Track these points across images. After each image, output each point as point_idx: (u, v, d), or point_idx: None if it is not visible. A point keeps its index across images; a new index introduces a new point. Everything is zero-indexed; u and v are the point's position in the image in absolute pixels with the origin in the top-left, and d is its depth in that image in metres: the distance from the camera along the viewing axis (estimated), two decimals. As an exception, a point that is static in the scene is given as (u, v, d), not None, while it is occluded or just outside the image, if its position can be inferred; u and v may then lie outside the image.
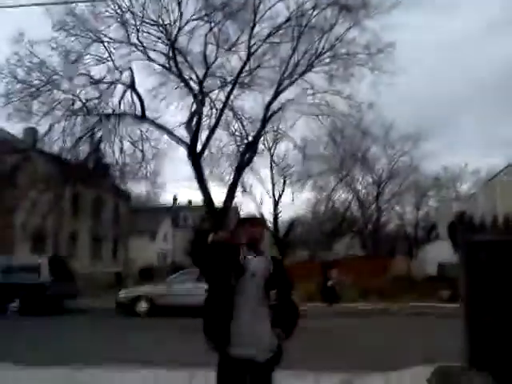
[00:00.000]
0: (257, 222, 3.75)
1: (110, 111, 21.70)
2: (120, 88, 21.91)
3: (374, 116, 26.27)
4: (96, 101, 21.17)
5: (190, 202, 53.65)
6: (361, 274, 23.25)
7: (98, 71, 22.15)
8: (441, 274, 25.23)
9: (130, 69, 21.72)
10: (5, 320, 14.42)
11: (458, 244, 5.34)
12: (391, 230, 44.95)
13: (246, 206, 43.58)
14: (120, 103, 21.66)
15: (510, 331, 4.88)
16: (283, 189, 36.14)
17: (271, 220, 36.40)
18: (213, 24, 21.32)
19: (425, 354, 7.12)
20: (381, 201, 38.99)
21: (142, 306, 15.80)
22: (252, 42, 21.77)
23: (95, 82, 21.06)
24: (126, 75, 21.68)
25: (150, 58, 22.01)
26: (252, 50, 21.86)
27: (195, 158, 22.05)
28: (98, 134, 21.71)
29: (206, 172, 23.58)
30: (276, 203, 36.21)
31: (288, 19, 21.47)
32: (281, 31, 21.77)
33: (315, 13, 21.01)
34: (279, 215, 37.03)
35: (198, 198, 25.35)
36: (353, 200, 39.83)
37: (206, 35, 21.57)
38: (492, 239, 5.18)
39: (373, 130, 29.65)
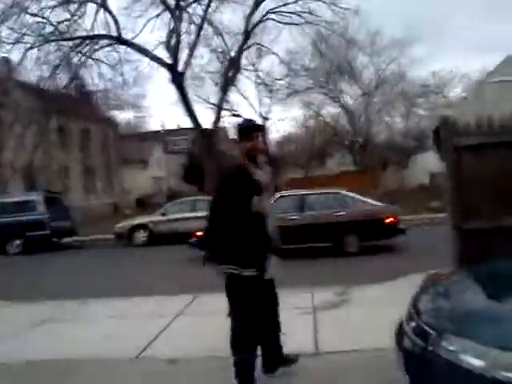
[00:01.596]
0: (261, 129, 3.41)
1: (83, 34, 20.74)
2: (92, 8, 20.84)
3: (359, 23, 25.32)
4: (67, 23, 20.15)
5: (179, 126, 52.94)
6: (352, 190, 23.38)
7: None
8: (432, 184, 25.35)
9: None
10: (5, 259, 14.33)
11: (441, 149, 5.30)
12: (382, 141, 44.85)
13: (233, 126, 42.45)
14: (93, 24, 20.70)
15: (495, 234, 4.96)
16: (271, 106, 35.59)
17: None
18: None
19: (417, 264, 7.12)
20: (370, 112, 38.55)
21: (141, 235, 15.84)
22: None
23: (64, 2, 19.91)
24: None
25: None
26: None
27: (178, 79, 21.46)
28: (75, 60, 20.88)
29: (191, 93, 23.08)
30: (264, 121, 35.80)
31: None
32: None
33: None
34: (268, 133, 36.75)
35: (186, 121, 24.92)
36: (342, 113, 39.36)
37: None
38: (476, 142, 5.12)
39: (359, 37, 28.75)
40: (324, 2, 21.45)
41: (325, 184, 23.67)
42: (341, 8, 21.33)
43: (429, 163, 27.26)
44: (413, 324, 2.63)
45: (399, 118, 41.53)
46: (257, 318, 3.25)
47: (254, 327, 3.25)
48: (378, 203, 11.32)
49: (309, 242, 10.29)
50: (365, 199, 11.21)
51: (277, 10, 22.67)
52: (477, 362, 2.11)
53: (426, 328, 2.46)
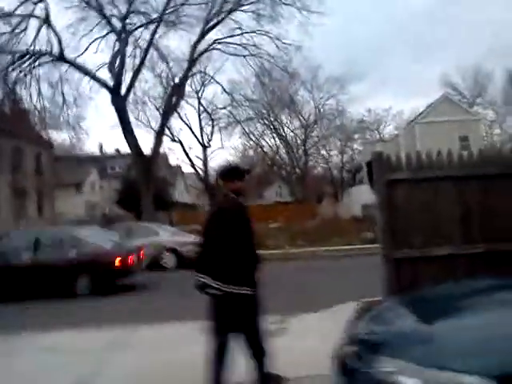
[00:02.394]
0: (246, 174, 4.23)
1: (24, 49, 20.08)
2: (34, 23, 20.28)
3: (302, 58, 26.25)
4: (7, 36, 19.45)
5: (117, 150, 51.87)
6: (289, 220, 23.76)
7: (7, 3, 20.26)
8: (365, 215, 26.15)
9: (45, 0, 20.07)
10: None
11: (374, 182, 5.50)
12: (318, 174, 46.13)
13: (174, 152, 42.26)
14: (35, 40, 20.11)
15: (424, 262, 5.19)
16: (212, 134, 35.84)
17: (201, 166, 36.24)
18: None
19: (353, 293, 7.21)
20: (308, 145, 39.70)
21: None
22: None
23: (5, 15, 19.28)
24: (40, 8, 20.05)
25: (66, -12, 20.43)
26: (178, -15, 20.95)
27: (119, 102, 21.17)
28: (12, 76, 20.03)
29: (132, 117, 22.82)
30: (205, 149, 35.95)
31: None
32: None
33: None
34: (208, 161, 36.92)
35: (125, 146, 24.49)
36: (281, 145, 40.30)
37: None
38: (406, 177, 5.37)
39: (301, 72, 29.85)
40: (269, 37, 22.19)
41: (258, 214, 23.94)
42: (284, 43, 22.12)
43: (362, 195, 28.25)
44: (349, 348, 2.71)
45: (335, 151, 43.08)
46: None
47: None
48: (109, 245, 10.93)
49: (42, 284, 9.92)
50: (97, 241, 10.90)
51: (223, 40, 23.11)
52: (409, 381, 2.21)
53: (361, 351, 2.54)
